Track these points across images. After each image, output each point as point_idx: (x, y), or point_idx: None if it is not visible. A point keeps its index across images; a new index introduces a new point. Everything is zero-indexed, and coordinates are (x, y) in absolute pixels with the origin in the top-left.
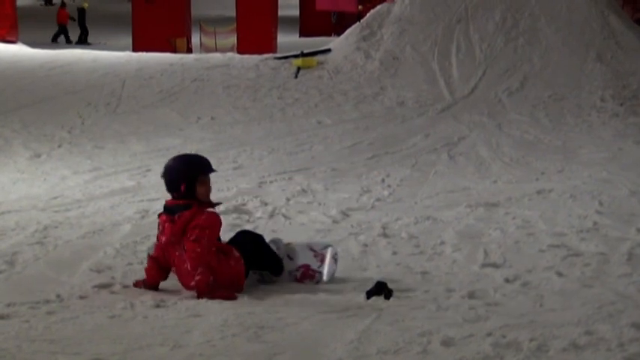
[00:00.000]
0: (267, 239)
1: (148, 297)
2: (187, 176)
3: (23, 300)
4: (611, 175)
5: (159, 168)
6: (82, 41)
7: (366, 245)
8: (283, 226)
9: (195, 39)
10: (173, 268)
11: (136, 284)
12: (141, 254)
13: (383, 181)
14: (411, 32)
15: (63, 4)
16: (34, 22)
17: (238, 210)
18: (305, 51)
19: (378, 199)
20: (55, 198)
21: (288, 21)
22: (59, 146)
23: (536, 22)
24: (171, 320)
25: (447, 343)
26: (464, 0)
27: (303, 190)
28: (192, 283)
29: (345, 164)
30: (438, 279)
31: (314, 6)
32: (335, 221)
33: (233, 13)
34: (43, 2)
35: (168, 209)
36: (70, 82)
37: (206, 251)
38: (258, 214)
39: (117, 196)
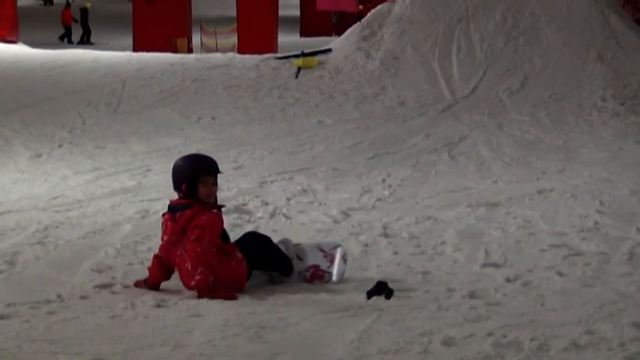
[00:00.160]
0: (276, 240)
1: (149, 297)
2: (189, 176)
3: (24, 300)
4: (612, 175)
5: (159, 168)
6: (85, 41)
7: (366, 245)
8: (284, 226)
9: (196, 39)
10: (176, 268)
11: (137, 284)
12: (141, 254)
13: (384, 180)
14: (411, 32)
15: (68, 5)
16: (35, 22)
17: (239, 210)
18: (306, 51)
19: (379, 199)
20: (56, 198)
21: (289, 21)
22: (60, 146)
23: (536, 22)
24: (172, 320)
25: (447, 342)
26: (464, 0)
27: (304, 190)
28: (193, 283)
29: (346, 164)
30: (439, 279)
31: (314, 6)
32: (336, 221)
33: (234, 13)
34: (42, 2)
35: (171, 208)
36: (71, 82)
37: (207, 251)
38: (259, 214)
39: (117, 196)
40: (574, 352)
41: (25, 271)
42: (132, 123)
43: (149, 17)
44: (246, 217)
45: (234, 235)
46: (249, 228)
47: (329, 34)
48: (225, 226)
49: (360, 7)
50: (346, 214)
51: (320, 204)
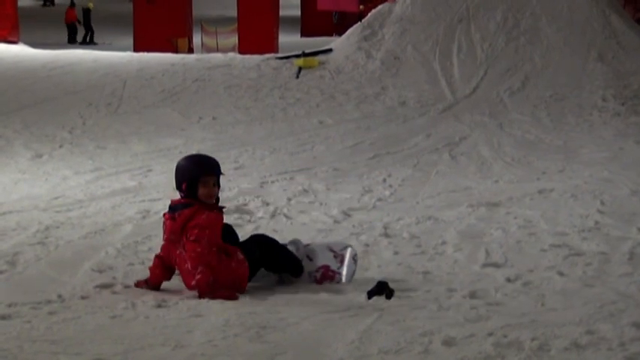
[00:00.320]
0: (287, 241)
1: (150, 297)
2: (190, 176)
3: (25, 300)
4: (613, 175)
5: (160, 168)
6: (89, 41)
7: (367, 245)
8: (285, 226)
9: (197, 39)
10: (176, 268)
11: (138, 284)
12: (142, 254)
13: (384, 181)
14: (412, 32)
15: (72, 4)
16: (35, 23)
17: (240, 210)
18: (306, 51)
19: (380, 199)
20: (57, 198)
21: (290, 21)
22: (60, 146)
23: (537, 22)
24: (172, 320)
25: (448, 342)
26: (465, 0)
27: (305, 190)
28: (193, 283)
29: (347, 164)
30: (440, 279)
31: (315, 6)
32: (336, 221)
33: (234, 13)
34: (42, 3)
35: (171, 208)
36: (72, 82)
37: (206, 251)
38: (260, 214)
39: (118, 196)
40: (574, 352)
41: (25, 272)
42: (132, 123)
43: (150, 17)
44: (247, 217)
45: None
46: (249, 228)
47: (330, 34)
48: None
49: (361, 7)
50: (347, 214)
51: (321, 204)
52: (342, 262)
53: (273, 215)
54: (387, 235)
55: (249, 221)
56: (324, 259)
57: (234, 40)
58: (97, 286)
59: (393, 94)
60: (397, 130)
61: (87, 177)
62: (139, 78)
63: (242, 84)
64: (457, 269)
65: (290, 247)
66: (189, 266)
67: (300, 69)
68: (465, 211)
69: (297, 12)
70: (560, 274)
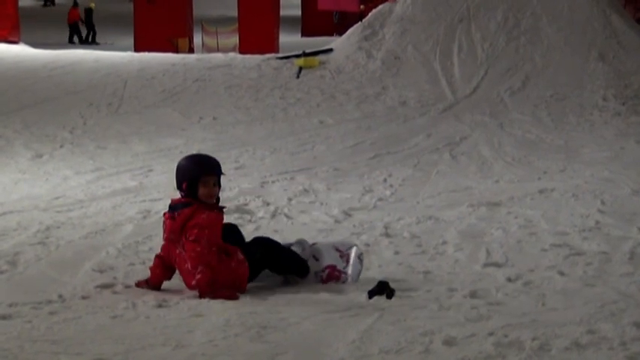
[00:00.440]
0: (293, 240)
1: (150, 297)
2: (190, 175)
3: (25, 300)
4: (613, 175)
5: (161, 168)
6: (90, 41)
7: (368, 245)
8: (285, 226)
9: (197, 39)
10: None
11: (138, 284)
12: (143, 254)
13: (385, 180)
14: (412, 32)
15: (75, 4)
16: (35, 23)
17: (240, 210)
18: (307, 51)
19: (380, 199)
20: (57, 198)
21: (290, 21)
22: (61, 146)
23: (538, 22)
24: (173, 320)
25: (449, 342)
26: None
27: (305, 190)
28: (194, 283)
29: (347, 164)
30: (440, 278)
31: (316, 6)
32: (337, 221)
33: (235, 13)
34: (43, 3)
35: (171, 207)
36: (72, 82)
37: (206, 250)
38: (260, 214)
39: (119, 196)
40: (575, 351)
41: (26, 272)
42: (133, 123)
43: (150, 17)
44: (248, 217)
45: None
46: (250, 228)
47: (330, 34)
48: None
49: (362, 6)
50: (347, 214)
51: (321, 204)
52: (347, 261)
53: (273, 215)
54: (387, 235)
55: (250, 221)
56: (330, 259)
57: (234, 40)
58: (97, 286)
59: (393, 94)
60: (398, 129)
61: (87, 177)
62: (139, 78)
63: (242, 84)
64: (458, 269)
65: (295, 247)
66: (189, 266)
67: (300, 69)
68: (466, 210)
69: (298, 12)
70: (561, 273)
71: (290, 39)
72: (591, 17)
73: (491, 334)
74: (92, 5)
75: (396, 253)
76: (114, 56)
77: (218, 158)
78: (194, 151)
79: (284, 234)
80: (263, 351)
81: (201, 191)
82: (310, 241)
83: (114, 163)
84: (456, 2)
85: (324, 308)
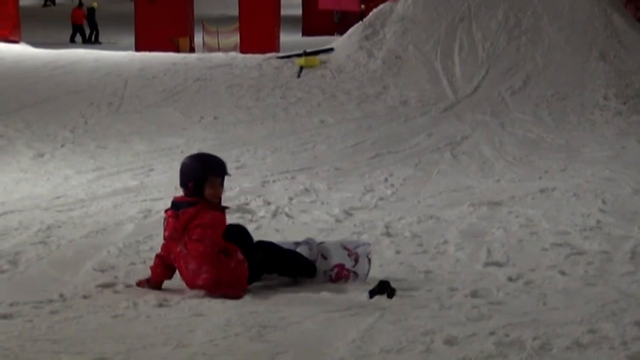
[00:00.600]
0: (300, 239)
1: (151, 296)
2: (197, 175)
3: (26, 299)
4: (614, 174)
5: (162, 167)
6: (93, 41)
7: (368, 244)
8: (286, 226)
9: (198, 38)
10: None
11: (139, 284)
12: (144, 254)
13: (386, 180)
14: (413, 31)
15: (80, 4)
16: (36, 22)
17: (241, 209)
18: (308, 50)
19: (381, 199)
20: (58, 197)
21: (291, 20)
22: (62, 146)
23: (538, 21)
24: (174, 320)
25: (450, 342)
26: None
27: (306, 190)
28: (200, 282)
29: (348, 163)
30: (441, 278)
31: (316, 5)
32: (338, 220)
33: (236, 13)
34: (43, 2)
35: (174, 205)
36: (73, 81)
37: (210, 250)
38: (261, 214)
39: (120, 195)
40: (576, 351)
41: (27, 271)
42: (134, 122)
43: (151, 17)
44: (249, 216)
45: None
46: (251, 227)
47: (331, 34)
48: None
49: (362, 6)
50: (348, 214)
51: (322, 203)
52: (356, 260)
53: (274, 214)
54: (388, 235)
55: (251, 220)
56: (339, 258)
57: (235, 39)
58: (98, 286)
59: (394, 94)
60: (398, 129)
61: (88, 176)
62: (140, 77)
63: (243, 83)
64: (459, 268)
65: (303, 246)
66: (194, 265)
67: (301, 68)
68: (467, 210)
69: (299, 11)
70: (562, 273)
71: (291, 38)
72: (592, 16)
73: (492, 333)
74: (95, 5)
75: (397, 252)
76: (115, 56)
77: None
78: (195, 151)
79: (285, 233)
80: (263, 350)
81: (208, 191)
82: (319, 240)
83: (115, 162)
84: (456, 1)
85: (324, 307)
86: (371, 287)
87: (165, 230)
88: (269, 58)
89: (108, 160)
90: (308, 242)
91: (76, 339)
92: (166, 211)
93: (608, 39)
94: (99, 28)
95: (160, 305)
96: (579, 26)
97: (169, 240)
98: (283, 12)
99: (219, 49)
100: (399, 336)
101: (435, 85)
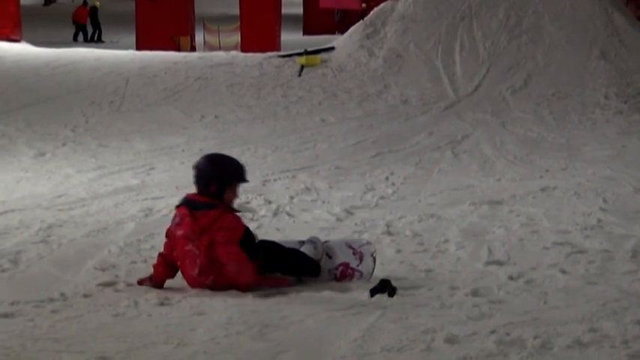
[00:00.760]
0: (305, 238)
1: (152, 295)
2: (222, 179)
3: (27, 298)
4: (615, 173)
5: (163, 166)
6: (96, 40)
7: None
8: (287, 224)
9: (199, 37)
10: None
11: (141, 282)
12: (145, 252)
13: (387, 179)
14: (414, 30)
15: (85, 3)
16: (37, 21)
17: (242, 208)
18: (309, 49)
19: (382, 197)
20: (59, 196)
21: (292, 19)
22: (63, 145)
23: (539, 20)
24: (175, 318)
25: (450, 340)
26: None
27: (307, 189)
28: (245, 281)
29: (349, 162)
30: (442, 277)
31: (317, 4)
32: (339, 219)
33: (237, 12)
34: (44, 1)
35: (190, 203)
36: (74, 80)
37: (238, 249)
38: (262, 212)
39: (121, 194)
40: (577, 349)
41: (28, 270)
42: (135, 121)
43: (152, 16)
44: (250, 215)
45: None
46: (252, 226)
47: (332, 33)
48: None
49: (363, 5)
50: (349, 212)
51: (323, 202)
52: (361, 259)
53: (275, 213)
54: (389, 233)
55: (252, 219)
56: (344, 256)
57: (236, 38)
58: (99, 285)
59: (395, 93)
60: (399, 128)
61: (90, 175)
62: (141, 76)
63: (244, 82)
64: (460, 267)
65: (308, 245)
66: (234, 267)
67: (302, 67)
68: (468, 209)
69: (300, 10)
70: (563, 271)
71: (292, 37)
72: (593, 15)
73: (493, 332)
74: (97, 4)
75: (398, 251)
76: (116, 54)
77: None
78: (195, 150)
79: (286, 232)
80: (265, 349)
81: (229, 196)
82: (323, 239)
83: (116, 161)
84: (457, 0)
85: (325, 306)
86: (372, 286)
87: (177, 226)
88: (270, 57)
89: (109, 158)
90: (313, 241)
91: (77, 338)
92: (178, 207)
93: (608, 38)
94: (102, 26)
95: (161, 304)
96: (580, 25)
97: (181, 238)
98: (284, 11)
99: (220, 48)
100: (400, 335)
101: (435, 84)
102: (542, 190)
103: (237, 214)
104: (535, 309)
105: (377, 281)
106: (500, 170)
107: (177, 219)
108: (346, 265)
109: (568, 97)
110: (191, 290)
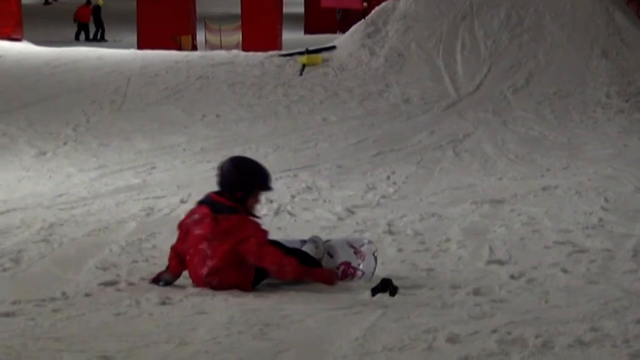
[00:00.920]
0: (306, 237)
1: (154, 294)
2: (249, 186)
3: (29, 298)
4: (617, 172)
5: (164, 165)
6: (99, 38)
7: (371, 242)
8: (288, 224)
9: (200, 36)
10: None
11: (153, 279)
12: (146, 252)
13: (388, 178)
14: (415, 29)
15: (88, 2)
16: (38, 20)
17: None
18: (310, 48)
19: (383, 196)
20: (61, 196)
21: (293, 18)
22: (64, 144)
23: (541, 19)
24: (176, 318)
25: (452, 339)
26: None
27: (309, 188)
28: (291, 277)
29: (350, 161)
30: (444, 276)
31: (319, 3)
32: (340, 218)
33: (238, 11)
34: (44, 1)
35: (213, 204)
36: (75, 79)
37: (271, 246)
38: (264, 211)
39: (122, 193)
40: (578, 349)
41: (29, 269)
42: (136, 120)
43: (153, 15)
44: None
45: None
46: None
47: (333, 32)
48: None
49: (365, 4)
50: (351, 212)
51: (324, 201)
52: (362, 258)
53: (276, 212)
54: (390, 233)
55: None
56: (345, 256)
57: (237, 37)
58: (100, 284)
59: (396, 92)
60: (401, 127)
61: (91, 174)
62: (142, 75)
63: (245, 81)
64: (461, 266)
65: (309, 244)
66: (274, 268)
67: (303, 66)
68: (469, 208)
69: (301, 9)
70: (564, 271)
71: (293, 36)
72: (594, 14)
73: (494, 331)
74: (101, 2)
75: (399, 250)
76: (117, 54)
77: (221, 156)
78: (196, 149)
79: (287, 231)
80: (266, 348)
81: (252, 202)
82: (325, 238)
83: (117, 160)
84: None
85: (327, 306)
86: (373, 285)
87: (196, 225)
88: (271, 56)
89: (110, 158)
90: (314, 240)
91: (79, 337)
92: (199, 204)
93: (610, 37)
94: (104, 25)
95: (163, 303)
96: (581, 24)
97: (198, 236)
98: (285, 10)
99: (221, 47)
100: (402, 334)
101: (437, 83)
102: (544, 189)
103: (257, 220)
104: (536, 308)
105: (378, 280)
106: (501, 169)
107: (197, 216)
108: (347, 264)
109: (569, 96)
110: (192, 289)
